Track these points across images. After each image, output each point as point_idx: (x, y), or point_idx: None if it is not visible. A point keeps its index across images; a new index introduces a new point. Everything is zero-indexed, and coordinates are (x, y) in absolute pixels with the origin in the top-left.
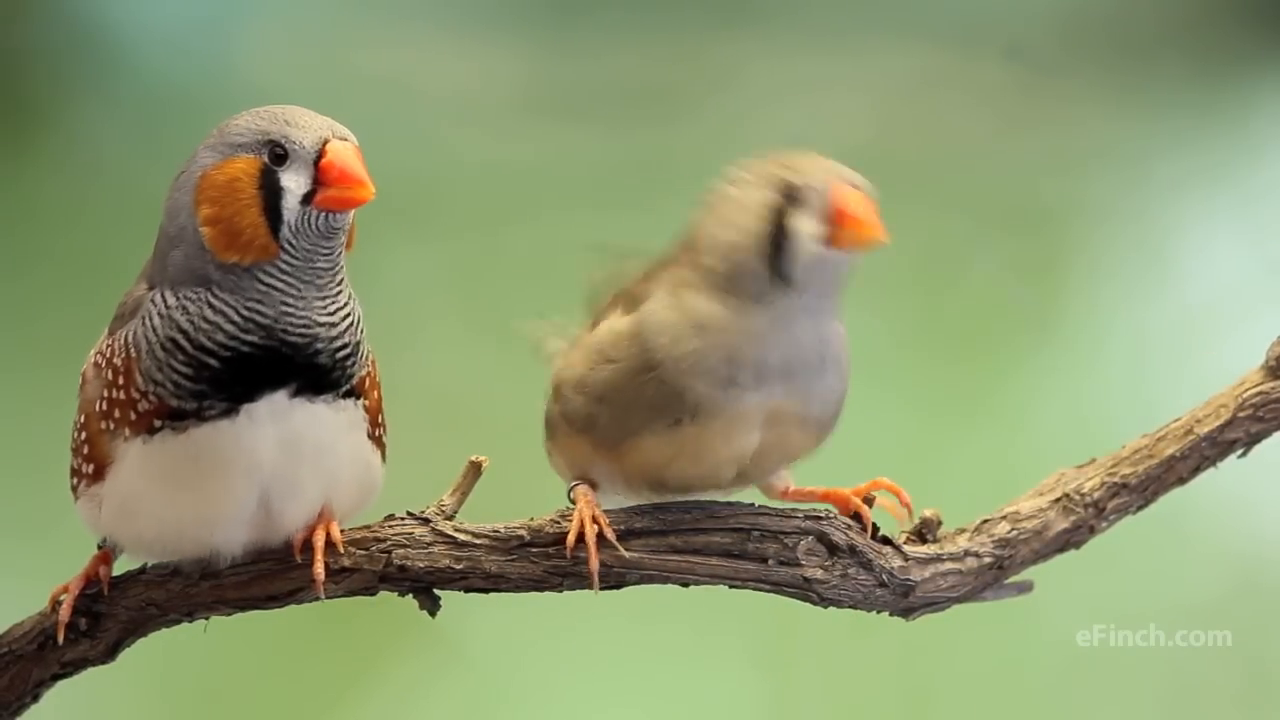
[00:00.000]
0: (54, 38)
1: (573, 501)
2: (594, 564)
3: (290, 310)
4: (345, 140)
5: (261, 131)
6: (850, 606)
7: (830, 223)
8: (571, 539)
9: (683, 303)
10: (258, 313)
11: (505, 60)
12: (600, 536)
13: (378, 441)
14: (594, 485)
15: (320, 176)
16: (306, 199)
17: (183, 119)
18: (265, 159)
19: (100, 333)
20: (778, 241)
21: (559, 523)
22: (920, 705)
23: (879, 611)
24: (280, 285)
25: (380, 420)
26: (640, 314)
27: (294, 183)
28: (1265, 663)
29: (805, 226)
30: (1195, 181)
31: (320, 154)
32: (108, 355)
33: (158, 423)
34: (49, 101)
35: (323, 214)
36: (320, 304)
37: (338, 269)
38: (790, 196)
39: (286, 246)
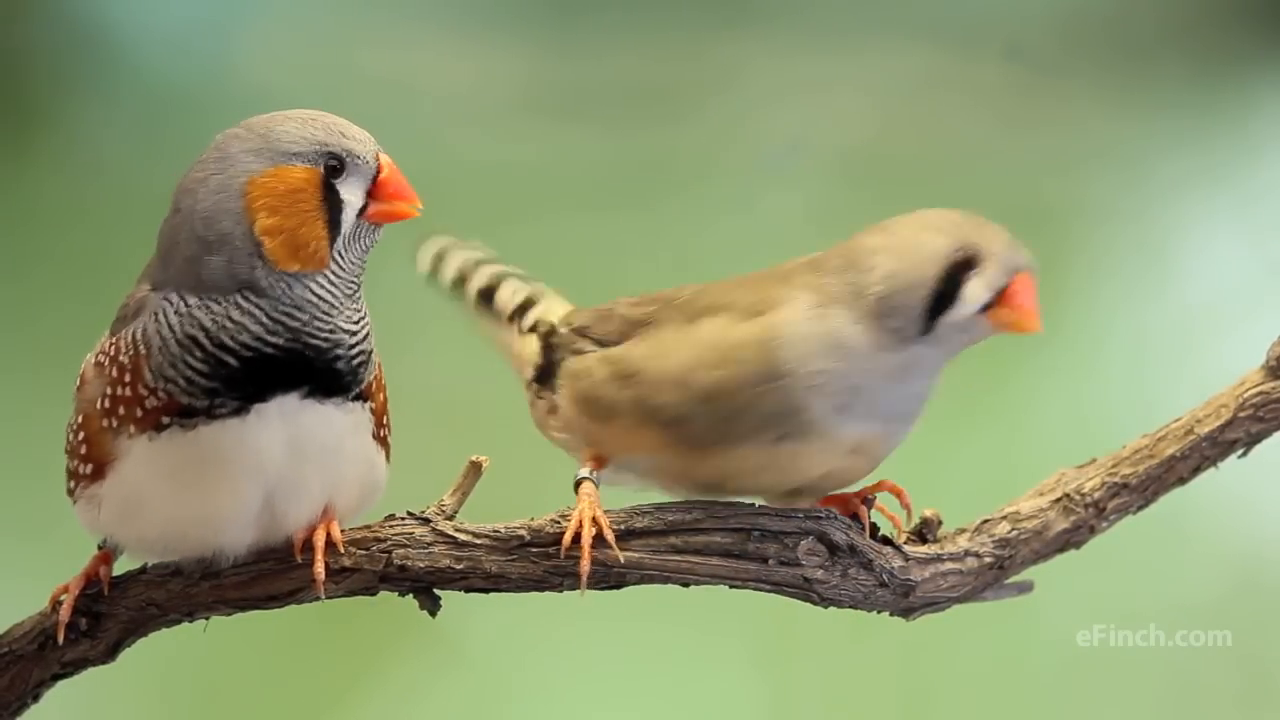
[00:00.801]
0: (54, 38)
1: (576, 491)
2: (585, 565)
3: (324, 318)
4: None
5: (319, 143)
6: (850, 606)
7: (999, 298)
8: (568, 539)
9: (827, 318)
10: (290, 316)
11: (505, 60)
12: (598, 537)
13: (382, 441)
14: (601, 466)
15: (376, 191)
16: (360, 212)
17: (183, 119)
18: (322, 170)
19: (100, 333)
20: (943, 294)
21: (559, 523)
22: (920, 705)
23: (879, 611)
24: (325, 295)
25: (385, 421)
26: (774, 321)
27: (353, 195)
28: (1265, 663)
29: (975, 292)
30: (1195, 181)
31: (378, 169)
32: (111, 353)
33: (165, 420)
34: (49, 101)
35: (371, 228)
36: (349, 312)
37: (361, 279)
38: (971, 258)
39: (336, 258)
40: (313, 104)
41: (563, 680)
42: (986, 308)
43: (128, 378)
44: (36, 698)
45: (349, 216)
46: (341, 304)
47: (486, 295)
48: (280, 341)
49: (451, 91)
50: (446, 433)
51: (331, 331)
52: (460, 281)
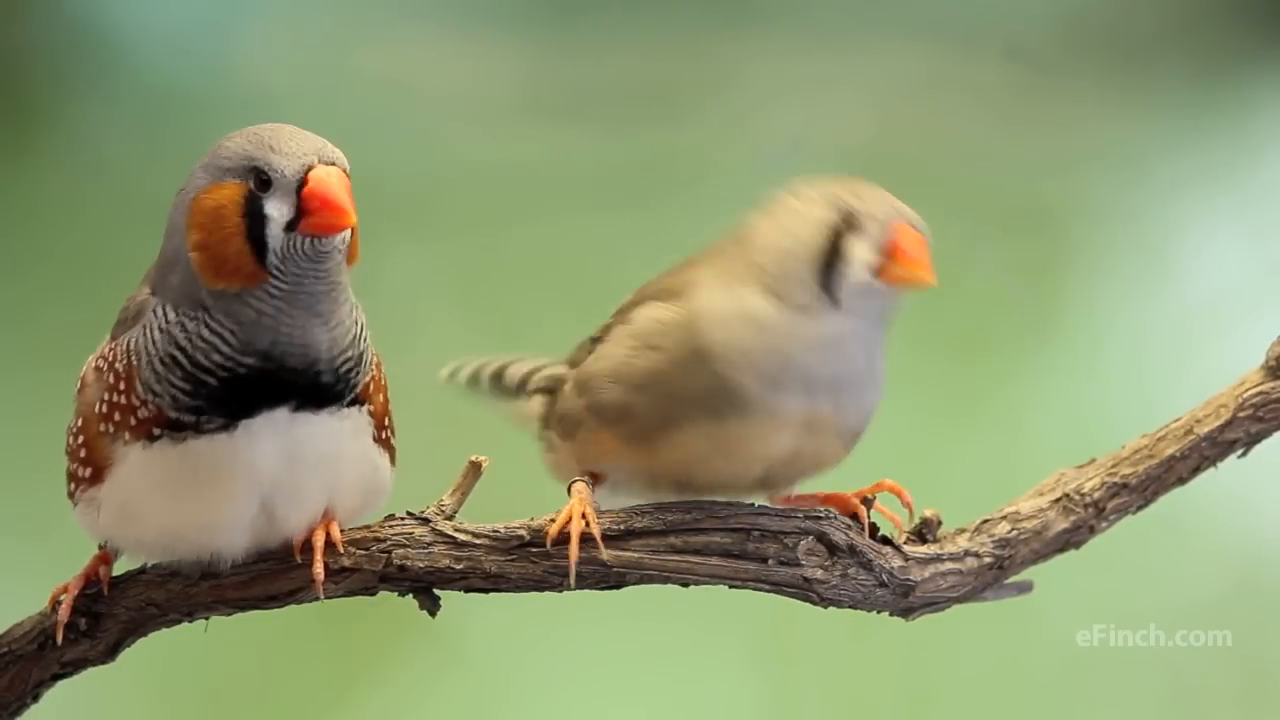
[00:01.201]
0: (54, 38)
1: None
2: (574, 555)
3: (286, 335)
4: (332, 164)
5: (247, 157)
6: (850, 606)
7: (884, 255)
8: (554, 531)
9: (737, 296)
10: (254, 337)
11: (505, 60)
12: (586, 536)
13: (385, 444)
14: (598, 481)
15: (302, 204)
16: (290, 225)
17: (183, 119)
18: (250, 185)
19: (101, 333)
20: (830, 260)
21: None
22: (920, 705)
23: (879, 611)
24: (270, 310)
25: (387, 423)
26: (692, 302)
27: (277, 210)
28: (1265, 663)
29: (859, 253)
30: (1195, 181)
31: (302, 182)
32: (110, 359)
33: (157, 431)
34: (49, 101)
35: (308, 239)
36: (319, 327)
37: (335, 289)
38: (849, 221)
39: (275, 272)
40: (312, 104)
41: (563, 680)
42: (878, 270)
43: (122, 385)
44: (36, 698)
45: (274, 231)
46: (298, 319)
47: (497, 377)
48: (252, 362)
49: (451, 91)
50: (446, 433)
51: (305, 349)
52: (474, 378)
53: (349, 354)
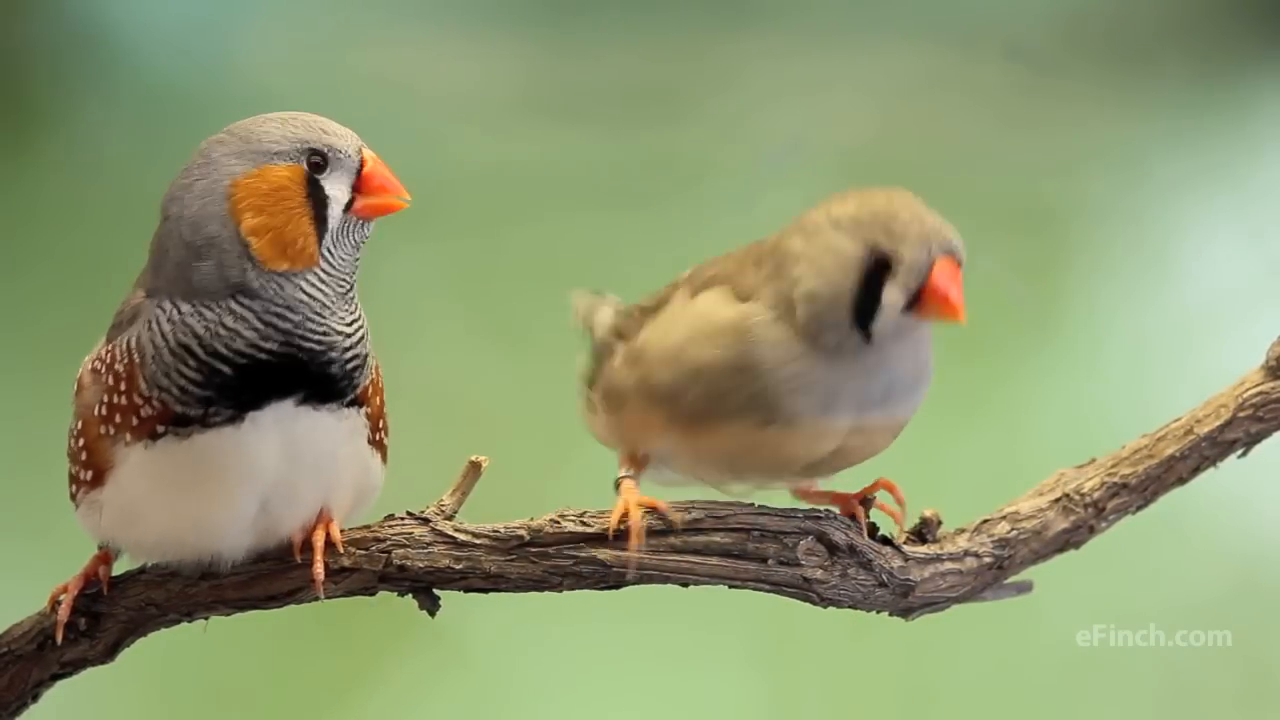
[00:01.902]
0: (54, 38)
1: (616, 490)
2: (633, 544)
3: (319, 320)
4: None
5: (300, 140)
6: (850, 606)
7: (920, 294)
8: (613, 522)
9: (790, 326)
10: (282, 318)
11: (505, 60)
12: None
13: (378, 445)
14: (640, 466)
15: (361, 185)
16: (347, 207)
17: (183, 119)
18: (305, 167)
19: (101, 334)
20: (864, 302)
21: (558, 523)
22: (920, 705)
23: (879, 611)
24: (316, 294)
25: (381, 424)
26: (748, 313)
27: (338, 191)
28: (1265, 663)
29: (892, 298)
30: (1195, 181)
31: (361, 162)
32: (107, 361)
33: (161, 428)
34: (49, 101)
35: (360, 222)
36: (342, 313)
37: (355, 277)
38: (884, 263)
39: (326, 255)
40: (312, 104)
41: (563, 680)
42: (910, 306)
43: (123, 386)
44: (35, 698)
45: (335, 211)
46: (334, 304)
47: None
48: (274, 347)
49: (451, 91)
50: (446, 433)
51: (325, 334)
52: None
53: (358, 351)
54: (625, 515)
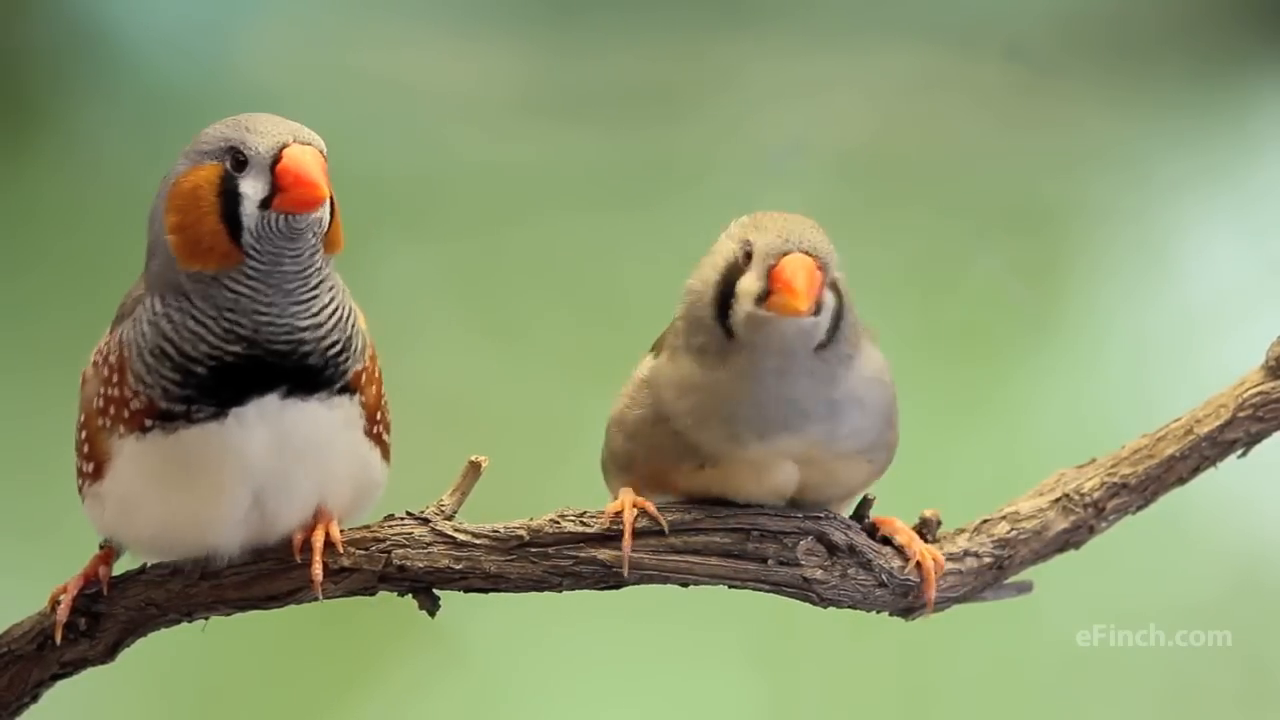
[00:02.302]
0: (54, 38)
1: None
2: (628, 540)
3: (269, 320)
4: (307, 144)
5: (224, 138)
6: (850, 606)
7: (769, 284)
8: (605, 519)
9: (679, 359)
10: (236, 324)
11: (505, 60)
12: (643, 528)
13: (377, 439)
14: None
15: (276, 180)
16: (265, 203)
17: (183, 119)
18: (227, 165)
19: (101, 332)
20: (724, 295)
21: (558, 523)
22: (920, 705)
23: (879, 611)
24: (248, 291)
25: (379, 417)
26: (650, 365)
27: (252, 188)
28: (1265, 663)
29: (747, 285)
30: (1195, 181)
31: (276, 159)
32: (105, 353)
33: (149, 422)
34: (49, 101)
35: (282, 217)
36: (299, 309)
37: (311, 271)
38: (747, 254)
39: (250, 252)
40: (312, 104)
41: (563, 680)
42: (762, 300)
43: (115, 378)
44: (36, 698)
45: (249, 209)
46: (276, 301)
47: None
48: (238, 350)
49: (451, 91)
50: (446, 433)
51: (289, 333)
52: None
53: (334, 337)
54: (618, 514)
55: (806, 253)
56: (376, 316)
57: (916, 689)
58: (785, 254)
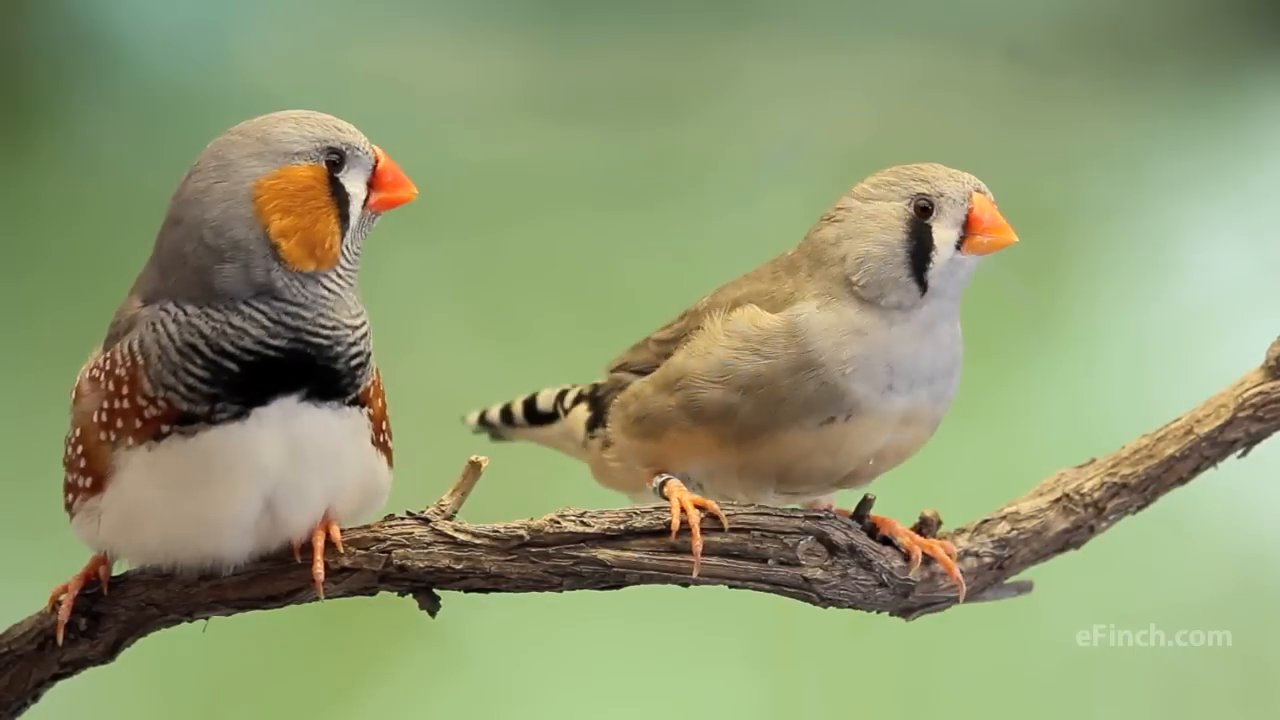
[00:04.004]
0: (54, 38)
1: (664, 496)
2: (697, 546)
3: (326, 312)
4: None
5: (318, 139)
6: (850, 606)
7: (968, 229)
8: (675, 523)
9: (838, 309)
10: (295, 316)
11: (505, 60)
12: (711, 518)
13: (383, 447)
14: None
15: (376, 180)
16: (364, 203)
17: (183, 119)
18: (325, 166)
19: (101, 334)
20: (918, 251)
21: (558, 523)
22: (920, 705)
23: (879, 611)
24: (335, 290)
25: (385, 426)
26: (794, 313)
27: (356, 187)
28: (1265, 663)
29: (943, 235)
30: (1195, 181)
31: (376, 158)
32: (107, 368)
33: (165, 428)
34: (49, 101)
35: (371, 217)
36: (351, 307)
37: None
38: (924, 207)
39: (344, 252)
40: (311, 104)
41: (563, 680)
42: (960, 243)
43: (125, 390)
44: (36, 698)
45: (355, 208)
46: (347, 298)
47: (529, 406)
48: (282, 344)
49: (451, 91)
50: (446, 433)
51: (334, 328)
52: (506, 414)
53: (362, 348)
54: (684, 513)
55: (980, 190)
56: (377, 316)
57: (916, 689)
58: (972, 194)
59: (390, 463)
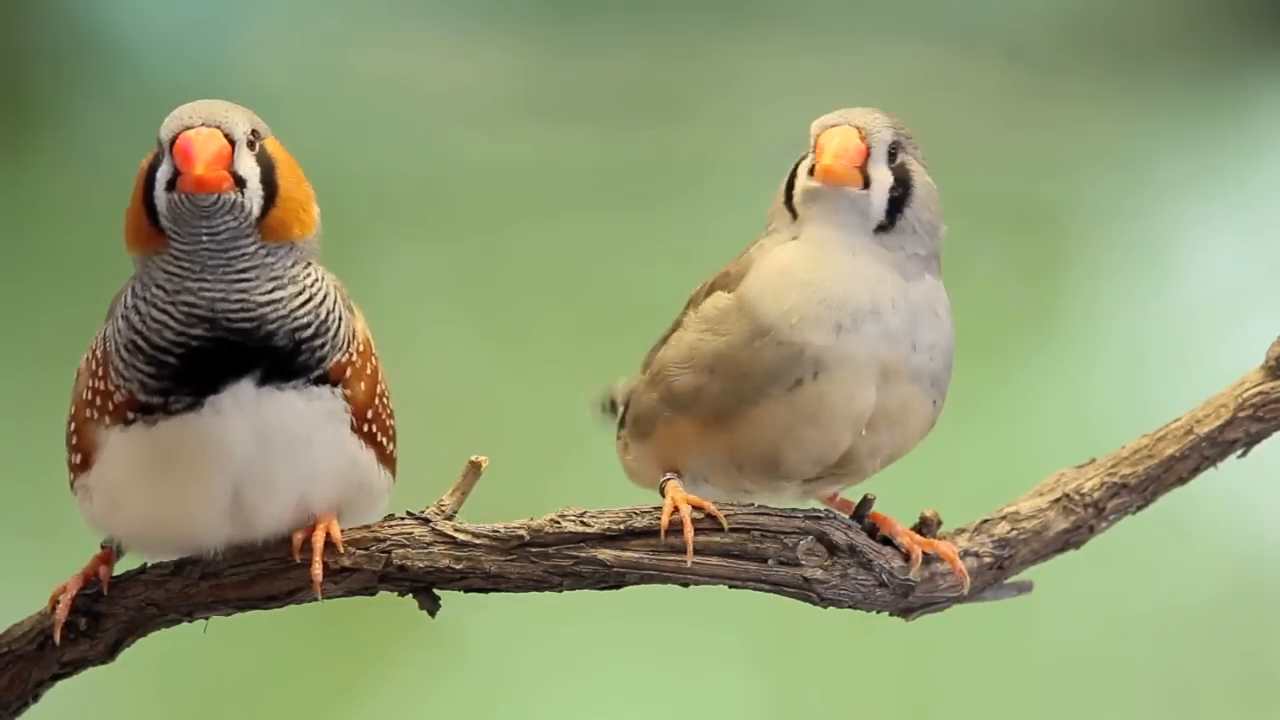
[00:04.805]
0: (54, 38)
1: (662, 494)
2: (689, 534)
3: (205, 297)
4: (208, 127)
5: (163, 127)
6: (850, 606)
7: (814, 156)
8: (665, 521)
9: (770, 257)
10: (191, 305)
11: (505, 60)
12: (701, 519)
13: (369, 439)
14: (681, 474)
15: (173, 162)
16: (170, 185)
17: None
18: (155, 153)
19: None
20: (790, 181)
21: (558, 523)
22: (920, 705)
23: (879, 611)
24: (178, 271)
25: (370, 416)
26: (745, 285)
27: (162, 172)
28: (1265, 662)
29: (804, 164)
30: (1195, 181)
31: (174, 141)
32: (93, 348)
33: (130, 415)
34: (49, 101)
35: (186, 198)
36: (246, 285)
37: (240, 252)
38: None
39: (171, 234)
40: (312, 104)
41: (563, 680)
42: (812, 173)
43: (100, 371)
44: (36, 698)
45: (158, 191)
46: (217, 280)
47: (611, 403)
48: (200, 331)
49: (451, 91)
50: (446, 433)
51: (246, 309)
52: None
53: (304, 319)
54: (675, 512)
55: (856, 126)
56: (377, 316)
57: (916, 689)
58: (826, 129)
59: (385, 461)
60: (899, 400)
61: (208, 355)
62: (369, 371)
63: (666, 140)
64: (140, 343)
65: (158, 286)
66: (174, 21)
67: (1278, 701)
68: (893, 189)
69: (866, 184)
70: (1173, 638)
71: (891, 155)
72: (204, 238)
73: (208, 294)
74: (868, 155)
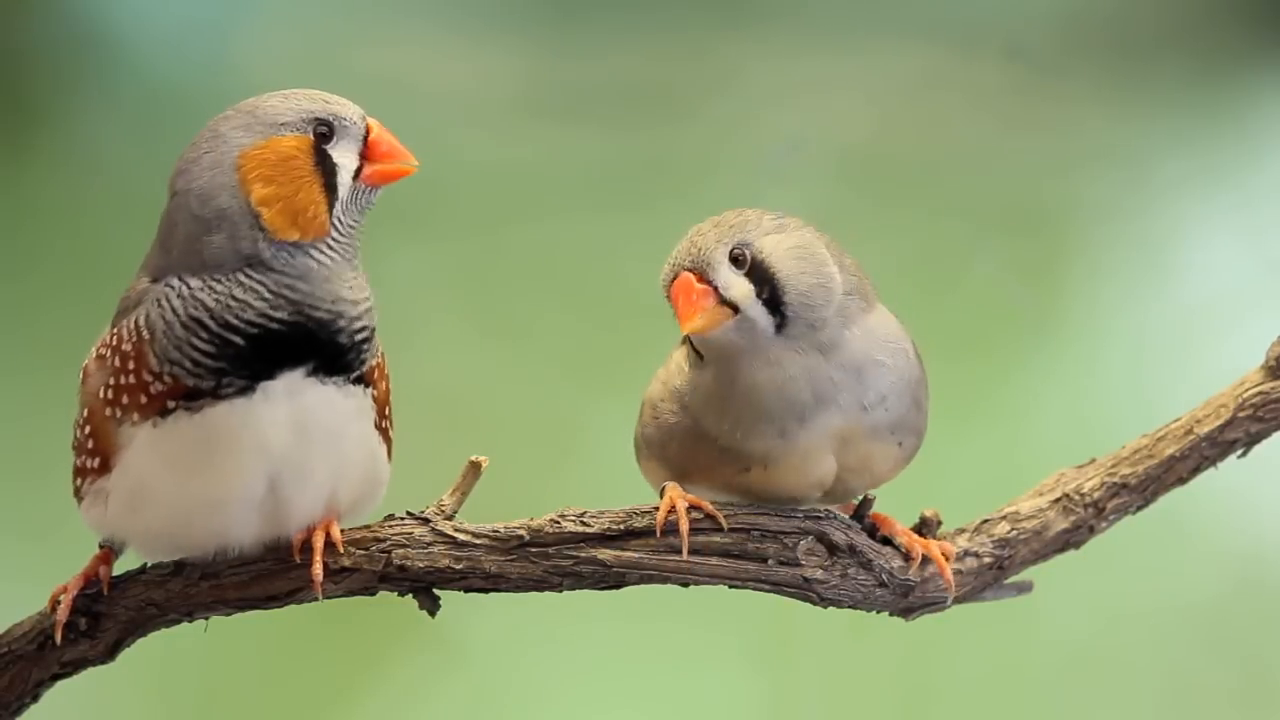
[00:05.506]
0: (54, 38)
1: (661, 495)
2: (684, 528)
3: (330, 289)
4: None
5: (304, 110)
6: (850, 606)
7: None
8: (661, 517)
9: (704, 374)
10: (292, 289)
11: (505, 60)
12: (701, 519)
13: (384, 434)
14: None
15: (368, 152)
16: (355, 174)
17: (183, 119)
18: (312, 137)
19: (101, 332)
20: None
21: (558, 523)
22: (920, 705)
23: (879, 611)
24: (327, 262)
25: (387, 412)
26: (685, 379)
27: (345, 159)
28: (1265, 663)
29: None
30: (1195, 181)
31: (367, 129)
32: (113, 344)
33: (171, 404)
34: (49, 101)
35: (368, 190)
36: (350, 281)
37: (358, 250)
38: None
39: (336, 223)
40: None
41: (563, 680)
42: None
43: (131, 365)
44: (36, 698)
45: (344, 179)
46: (343, 271)
47: None
48: (284, 316)
49: (451, 91)
50: (446, 433)
51: (334, 302)
52: None
53: (366, 323)
54: (671, 510)
55: (688, 268)
56: (377, 316)
57: (916, 689)
58: (674, 280)
59: (390, 454)
60: (859, 458)
61: (280, 340)
62: (386, 371)
63: (666, 140)
64: (206, 319)
65: (265, 270)
66: (174, 21)
67: (1278, 701)
68: (759, 293)
69: (735, 309)
70: (1173, 638)
71: (738, 260)
72: (356, 231)
73: (332, 285)
74: (715, 288)
